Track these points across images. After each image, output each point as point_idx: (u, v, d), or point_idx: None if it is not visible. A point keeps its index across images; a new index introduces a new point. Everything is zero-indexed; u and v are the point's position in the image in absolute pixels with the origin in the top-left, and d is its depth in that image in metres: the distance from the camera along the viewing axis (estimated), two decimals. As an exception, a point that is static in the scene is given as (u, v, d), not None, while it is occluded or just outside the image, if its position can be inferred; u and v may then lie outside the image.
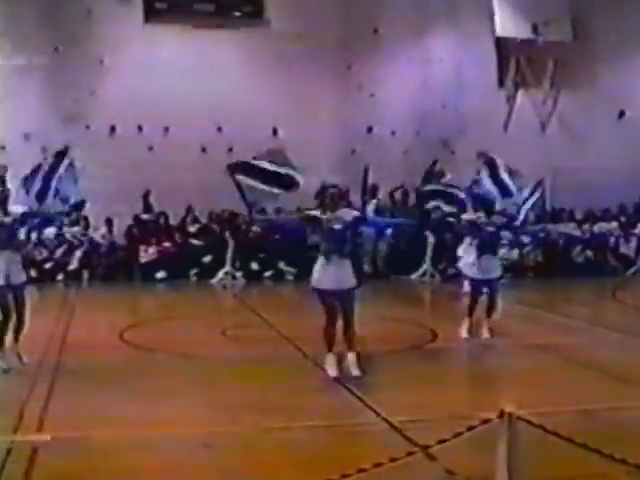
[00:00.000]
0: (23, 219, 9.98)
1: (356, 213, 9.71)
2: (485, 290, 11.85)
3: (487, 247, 11.67)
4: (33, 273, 18.20)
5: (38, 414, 7.63)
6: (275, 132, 20.89)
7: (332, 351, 9.42)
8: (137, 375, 9.26)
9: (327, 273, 9.39)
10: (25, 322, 9.78)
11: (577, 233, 20.81)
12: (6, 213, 9.75)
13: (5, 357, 9.61)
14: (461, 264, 13.98)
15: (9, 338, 9.71)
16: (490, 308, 11.75)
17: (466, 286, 13.28)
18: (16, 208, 9.89)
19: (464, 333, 11.62)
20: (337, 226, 9.42)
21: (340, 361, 9.43)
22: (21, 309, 9.79)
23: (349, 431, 7.26)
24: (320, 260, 9.51)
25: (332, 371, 9.35)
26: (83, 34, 19.83)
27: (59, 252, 18.48)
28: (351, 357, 9.41)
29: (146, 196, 19.72)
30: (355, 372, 9.34)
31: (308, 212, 9.75)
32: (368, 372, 9.47)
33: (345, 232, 9.43)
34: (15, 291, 9.69)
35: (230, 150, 20.40)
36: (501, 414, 5.31)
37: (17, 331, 9.78)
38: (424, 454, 5.91)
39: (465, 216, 12.05)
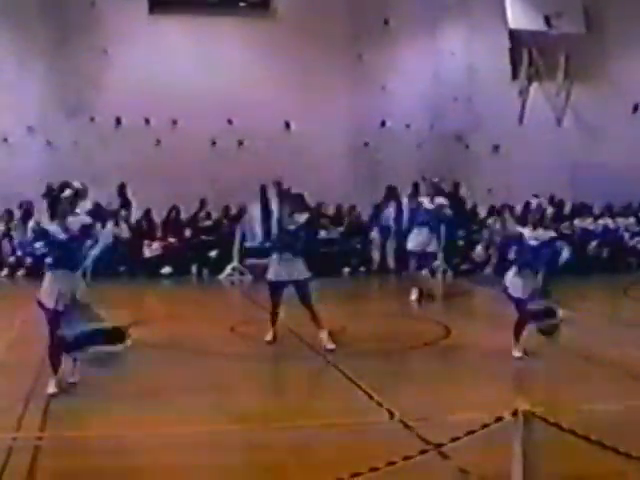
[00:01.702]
0: (85, 232, 8.45)
1: (306, 216, 11.07)
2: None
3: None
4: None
5: (40, 413, 7.53)
6: (287, 125, 20.78)
7: (274, 326, 11.07)
8: (142, 372, 9.15)
9: (280, 267, 10.82)
10: None
11: (592, 228, 20.61)
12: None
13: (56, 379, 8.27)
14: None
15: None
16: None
17: None
18: (79, 219, 8.42)
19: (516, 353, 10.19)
20: (291, 227, 10.79)
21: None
22: None
23: (361, 429, 7.12)
24: (274, 255, 10.92)
25: (268, 336, 10.96)
26: (87, 24, 19.72)
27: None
28: (322, 334, 10.61)
29: (122, 189, 19.26)
30: (329, 346, 10.45)
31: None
32: (380, 369, 9.37)
33: (298, 233, 10.84)
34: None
35: (241, 143, 20.34)
36: (515, 412, 5.20)
37: None
38: (437, 453, 5.78)
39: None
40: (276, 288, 10.96)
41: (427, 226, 14.86)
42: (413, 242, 14.96)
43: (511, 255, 10.75)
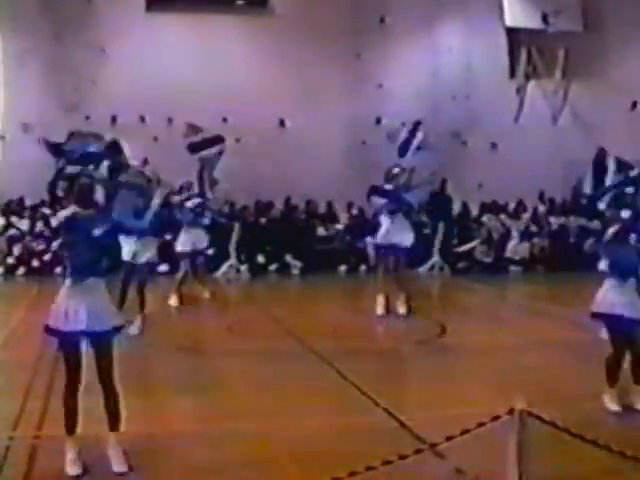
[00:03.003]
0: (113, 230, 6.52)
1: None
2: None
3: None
4: (35, 263, 18.18)
5: (38, 411, 7.54)
6: (282, 123, 20.78)
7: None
8: (139, 370, 9.14)
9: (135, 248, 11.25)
10: (117, 397, 6.43)
11: (588, 225, 20.62)
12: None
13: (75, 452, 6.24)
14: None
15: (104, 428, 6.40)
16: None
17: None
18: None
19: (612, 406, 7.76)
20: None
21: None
22: (105, 374, 6.36)
23: (357, 428, 7.14)
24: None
25: None
26: (84, 21, 19.68)
27: (57, 243, 18.22)
28: (138, 318, 11.40)
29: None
30: (134, 331, 11.02)
31: None
32: (375, 368, 9.40)
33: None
34: (97, 343, 6.27)
35: (237, 141, 20.31)
36: (511, 410, 5.21)
37: (111, 415, 6.38)
38: (432, 451, 5.79)
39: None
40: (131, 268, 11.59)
41: (396, 215, 12.89)
42: (380, 235, 13.10)
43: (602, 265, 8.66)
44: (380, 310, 12.84)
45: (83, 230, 6.20)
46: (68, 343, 6.20)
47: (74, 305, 6.13)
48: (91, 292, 6.19)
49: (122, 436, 6.40)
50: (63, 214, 6.32)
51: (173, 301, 13.81)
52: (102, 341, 6.24)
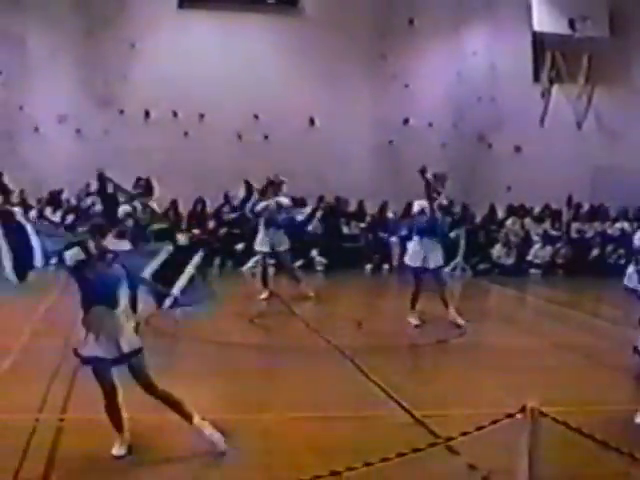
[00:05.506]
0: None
1: None
2: None
3: None
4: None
5: (63, 395, 7.67)
6: (312, 122, 20.91)
7: None
8: (161, 360, 9.22)
9: None
10: (172, 399, 6.48)
11: (611, 231, 20.62)
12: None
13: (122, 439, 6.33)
14: None
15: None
16: None
17: None
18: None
19: None
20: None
21: None
22: (147, 390, 6.44)
23: (373, 422, 7.24)
24: None
25: None
26: (116, 17, 19.87)
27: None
28: None
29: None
30: None
31: None
32: (394, 365, 9.49)
33: None
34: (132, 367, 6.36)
35: (266, 138, 20.50)
36: (523, 409, 5.28)
37: (181, 414, 6.45)
38: (446, 447, 5.90)
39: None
40: None
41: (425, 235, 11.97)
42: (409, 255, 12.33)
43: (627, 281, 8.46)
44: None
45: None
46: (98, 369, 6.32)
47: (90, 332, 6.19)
48: (102, 319, 6.16)
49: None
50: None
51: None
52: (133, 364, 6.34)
